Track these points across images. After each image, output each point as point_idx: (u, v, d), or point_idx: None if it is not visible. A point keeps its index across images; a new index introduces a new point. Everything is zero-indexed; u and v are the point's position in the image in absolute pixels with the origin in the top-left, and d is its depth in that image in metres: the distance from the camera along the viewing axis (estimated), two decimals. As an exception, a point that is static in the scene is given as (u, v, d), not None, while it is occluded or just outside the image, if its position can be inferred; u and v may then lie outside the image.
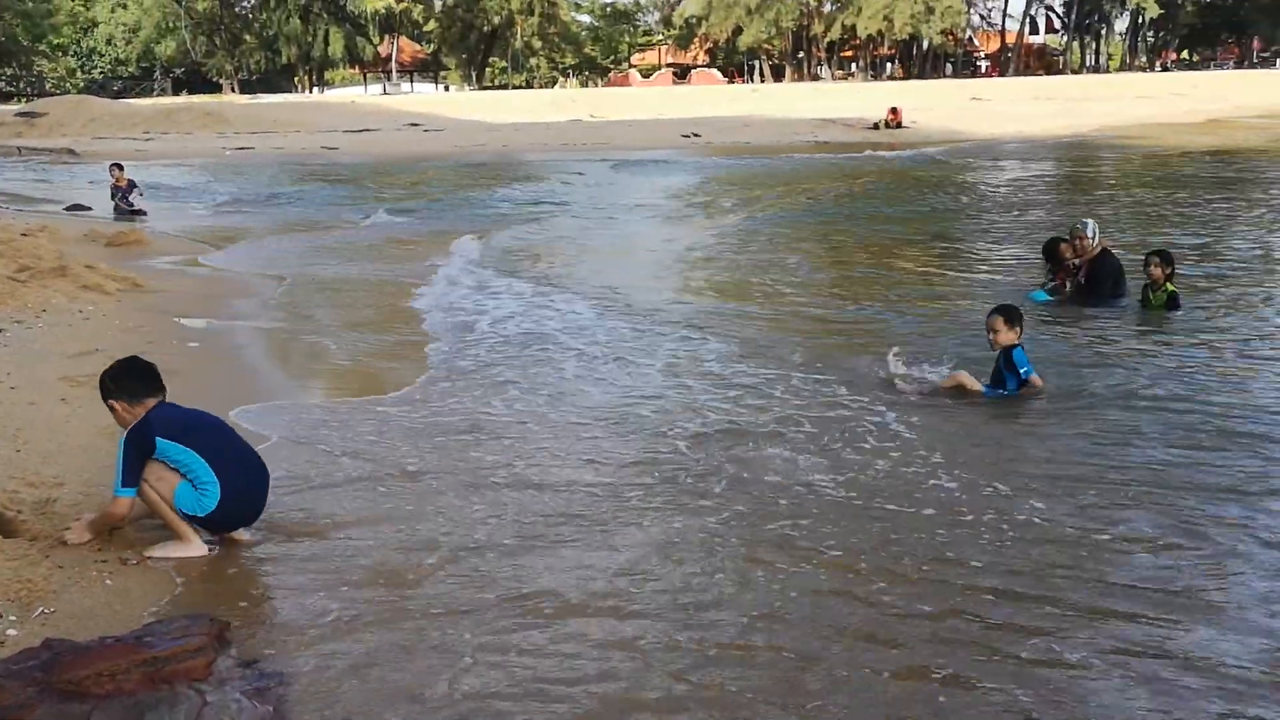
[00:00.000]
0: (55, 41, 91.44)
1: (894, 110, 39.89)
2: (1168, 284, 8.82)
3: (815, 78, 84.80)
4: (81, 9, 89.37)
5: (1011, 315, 6.74)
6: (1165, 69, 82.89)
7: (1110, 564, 4.29)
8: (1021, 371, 6.61)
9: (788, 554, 4.38)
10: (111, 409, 4.47)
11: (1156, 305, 8.84)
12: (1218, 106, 44.53)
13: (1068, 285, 9.45)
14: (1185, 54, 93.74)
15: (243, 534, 4.52)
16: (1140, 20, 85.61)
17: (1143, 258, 9.14)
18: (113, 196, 18.25)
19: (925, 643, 3.66)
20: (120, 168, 18.56)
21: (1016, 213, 16.60)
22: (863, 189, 20.45)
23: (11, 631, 3.58)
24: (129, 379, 4.47)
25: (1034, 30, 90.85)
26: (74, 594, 3.92)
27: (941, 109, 44.89)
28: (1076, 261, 9.41)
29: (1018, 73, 79.59)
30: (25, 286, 9.39)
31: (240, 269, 12.06)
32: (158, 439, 4.29)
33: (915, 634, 3.73)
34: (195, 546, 4.38)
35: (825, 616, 3.87)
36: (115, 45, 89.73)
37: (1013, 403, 6.56)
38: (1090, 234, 9.43)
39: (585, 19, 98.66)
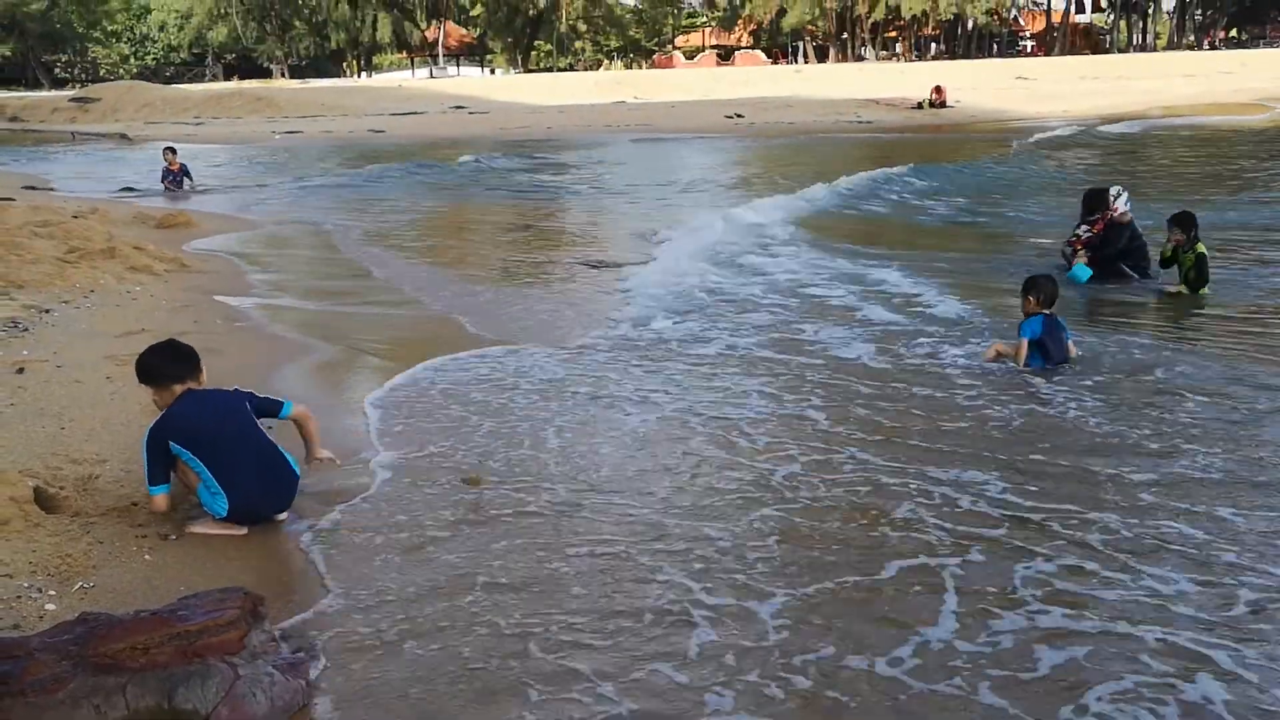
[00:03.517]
0: (109, 28, 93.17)
1: (938, 89, 39.49)
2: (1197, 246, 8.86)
3: (859, 58, 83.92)
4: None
5: (1025, 286, 7.00)
6: (1214, 47, 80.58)
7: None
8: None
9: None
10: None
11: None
12: (1265, 85, 43.28)
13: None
14: (1234, 31, 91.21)
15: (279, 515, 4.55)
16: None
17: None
18: (163, 179, 18.55)
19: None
20: (174, 151, 18.88)
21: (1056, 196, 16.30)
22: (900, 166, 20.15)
23: (50, 606, 3.62)
24: (157, 363, 4.48)
25: (1079, 9, 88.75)
26: (113, 569, 3.95)
27: (986, 88, 44.21)
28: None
29: (1063, 52, 77.49)
30: (74, 267, 9.53)
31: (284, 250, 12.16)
32: (171, 443, 4.32)
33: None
34: (233, 525, 4.41)
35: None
36: (168, 32, 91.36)
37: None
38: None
39: (630, 1, 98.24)
